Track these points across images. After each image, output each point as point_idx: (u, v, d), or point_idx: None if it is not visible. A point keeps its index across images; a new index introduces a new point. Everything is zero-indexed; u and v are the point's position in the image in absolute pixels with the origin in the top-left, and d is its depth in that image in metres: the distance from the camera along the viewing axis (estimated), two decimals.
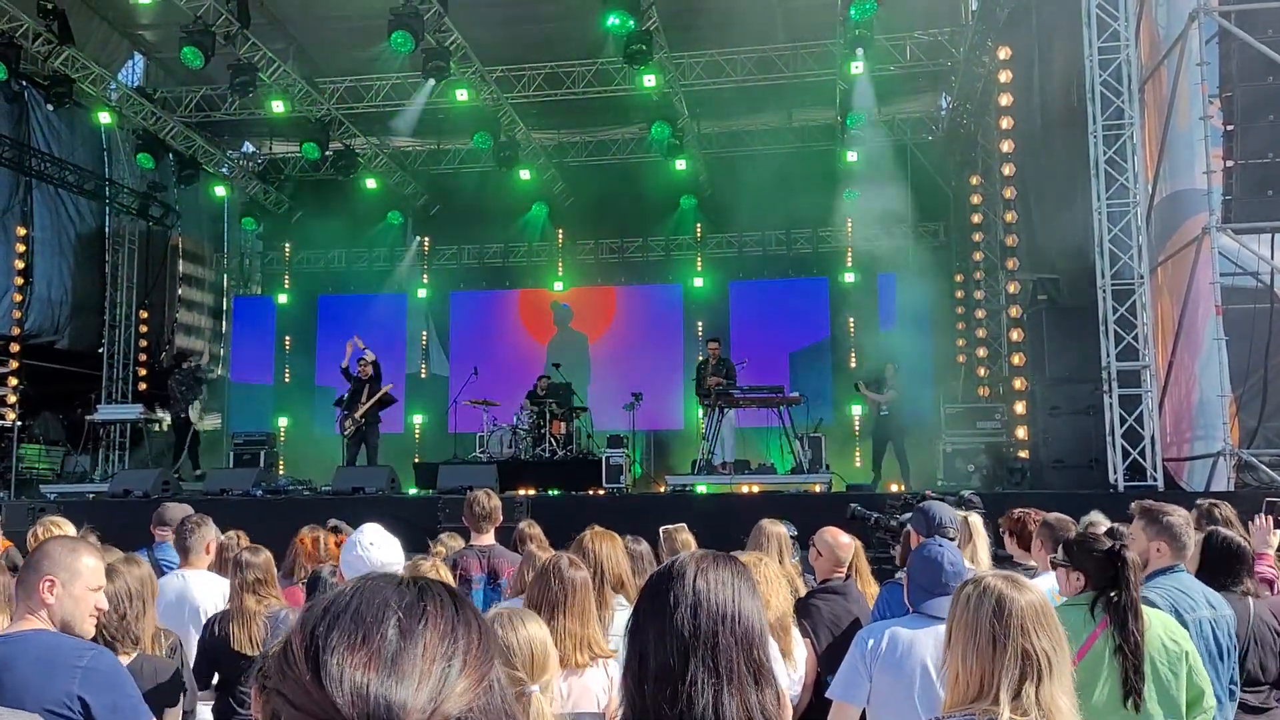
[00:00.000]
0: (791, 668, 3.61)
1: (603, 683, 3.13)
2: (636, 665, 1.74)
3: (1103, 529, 5.14)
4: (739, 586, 1.77)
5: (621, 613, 3.49)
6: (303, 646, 0.91)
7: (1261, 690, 3.92)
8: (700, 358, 15.09)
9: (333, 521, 5.81)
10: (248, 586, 4.35)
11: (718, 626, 1.70)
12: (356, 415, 13.15)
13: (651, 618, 1.76)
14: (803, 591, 4.64)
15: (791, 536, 4.86)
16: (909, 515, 4.94)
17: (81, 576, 2.76)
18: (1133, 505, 3.95)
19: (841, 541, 4.56)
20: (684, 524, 5.27)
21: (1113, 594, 3.05)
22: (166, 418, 15.43)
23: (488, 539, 5.47)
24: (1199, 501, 4.81)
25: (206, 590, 4.83)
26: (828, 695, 3.03)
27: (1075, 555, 3.30)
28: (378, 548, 3.33)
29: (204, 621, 4.47)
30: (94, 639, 3.03)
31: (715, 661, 1.68)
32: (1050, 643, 2.22)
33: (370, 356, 13.56)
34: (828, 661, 3.83)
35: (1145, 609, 3.21)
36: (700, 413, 13.15)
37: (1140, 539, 3.88)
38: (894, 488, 11.99)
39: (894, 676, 3.00)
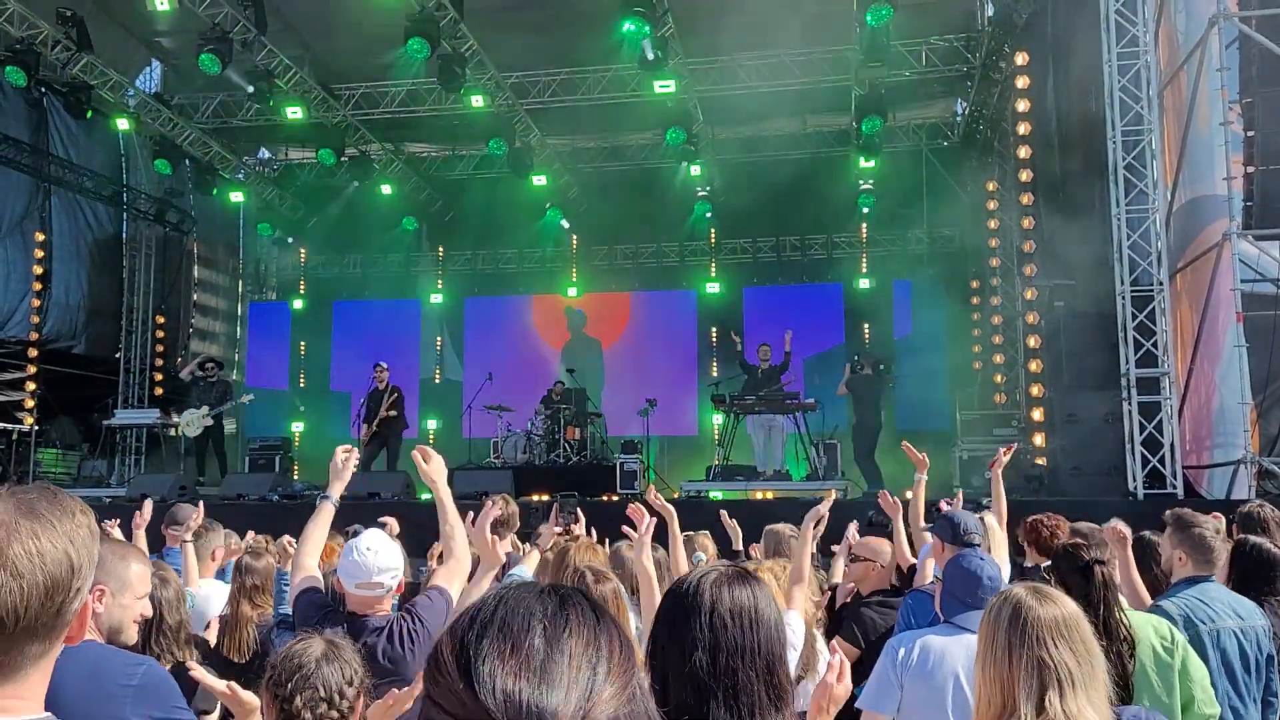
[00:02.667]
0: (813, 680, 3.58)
1: None
2: (659, 694, 1.73)
3: None
4: (758, 611, 1.74)
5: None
6: (454, 655, 0.96)
7: None
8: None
9: (353, 527, 5.79)
10: (245, 593, 4.33)
11: (737, 664, 1.69)
12: (374, 424, 13.17)
13: (669, 649, 1.74)
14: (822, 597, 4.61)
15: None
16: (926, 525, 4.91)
17: (131, 585, 2.75)
18: (1166, 514, 3.92)
19: (885, 549, 4.56)
20: (706, 530, 5.25)
21: (1089, 613, 3.01)
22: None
23: (504, 545, 5.44)
24: (1241, 508, 4.73)
25: (211, 598, 4.77)
26: (857, 705, 3.01)
27: (1058, 566, 3.29)
28: (375, 553, 3.29)
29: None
30: (147, 648, 3.05)
31: (736, 700, 1.68)
32: (1073, 654, 2.17)
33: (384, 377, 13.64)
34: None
35: (1135, 616, 3.20)
36: (739, 418, 12.97)
37: (1166, 547, 3.87)
38: (907, 495, 11.91)
39: (925, 686, 2.96)
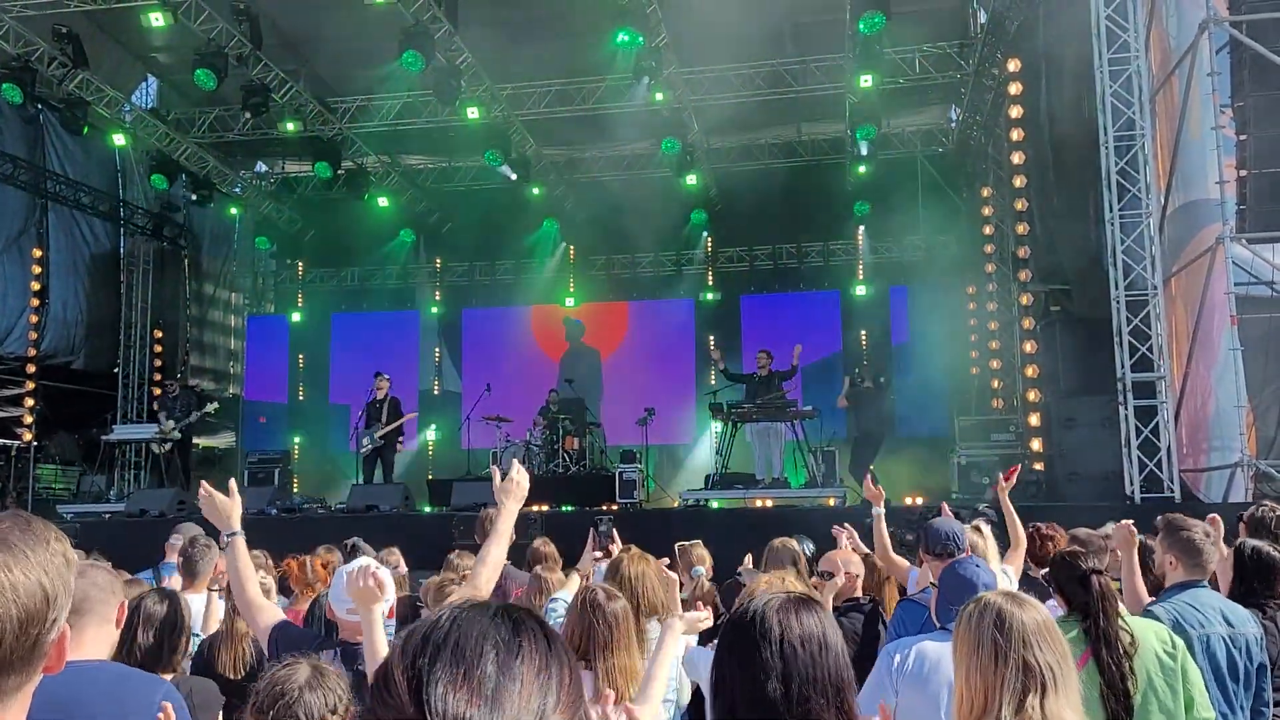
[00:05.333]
0: None
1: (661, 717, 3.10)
2: None
3: None
4: (826, 637, 1.76)
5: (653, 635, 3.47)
6: (405, 678, 0.95)
7: None
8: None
9: (351, 540, 5.80)
10: (237, 609, 4.32)
11: (810, 691, 1.70)
12: (377, 436, 12.99)
13: (738, 677, 1.75)
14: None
15: (808, 556, 4.83)
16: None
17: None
18: (1158, 519, 3.92)
19: (854, 560, 4.55)
20: (699, 540, 5.25)
21: (1087, 622, 3.04)
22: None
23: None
24: (1251, 510, 4.71)
25: (204, 614, 4.76)
26: None
27: (1056, 575, 3.29)
28: None
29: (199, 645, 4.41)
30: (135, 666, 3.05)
31: None
32: (1054, 657, 2.19)
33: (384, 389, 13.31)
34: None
35: (1137, 622, 3.20)
36: (737, 426, 12.94)
37: (1158, 552, 3.87)
38: (906, 501, 11.93)
39: (919, 693, 2.96)
